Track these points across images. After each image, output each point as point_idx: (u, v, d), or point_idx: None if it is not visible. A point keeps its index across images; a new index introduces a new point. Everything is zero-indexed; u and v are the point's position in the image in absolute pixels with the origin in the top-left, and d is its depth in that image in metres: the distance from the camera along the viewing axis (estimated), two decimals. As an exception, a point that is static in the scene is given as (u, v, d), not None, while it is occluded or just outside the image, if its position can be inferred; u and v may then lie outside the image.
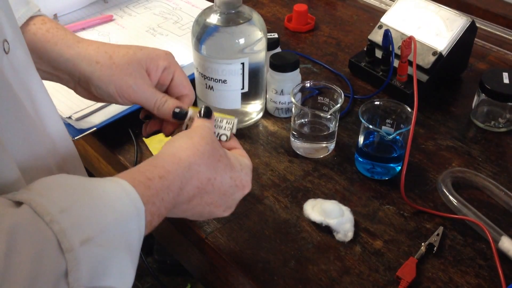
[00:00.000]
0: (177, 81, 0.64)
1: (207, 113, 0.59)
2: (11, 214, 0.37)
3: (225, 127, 0.61)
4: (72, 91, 0.84)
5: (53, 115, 0.55)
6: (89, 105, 0.82)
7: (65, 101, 0.83)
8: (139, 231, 0.44)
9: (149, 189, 0.46)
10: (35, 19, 0.63)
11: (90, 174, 0.92)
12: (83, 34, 1.02)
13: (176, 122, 0.63)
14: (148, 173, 0.47)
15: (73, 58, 0.61)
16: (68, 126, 0.80)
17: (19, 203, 0.39)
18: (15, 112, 0.45)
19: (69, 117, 0.80)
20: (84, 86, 0.63)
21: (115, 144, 0.82)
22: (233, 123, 0.61)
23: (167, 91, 0.65)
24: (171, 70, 0.64)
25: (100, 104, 0.82)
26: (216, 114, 0.61)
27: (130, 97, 0.61)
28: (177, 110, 0.61)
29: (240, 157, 0.58)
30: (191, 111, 0.62)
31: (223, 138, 0.61)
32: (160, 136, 0.82)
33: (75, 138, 0.78)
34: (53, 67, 0.62)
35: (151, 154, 0.79)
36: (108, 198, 0.42)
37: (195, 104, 0.86)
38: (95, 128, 0.79)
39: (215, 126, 0.60)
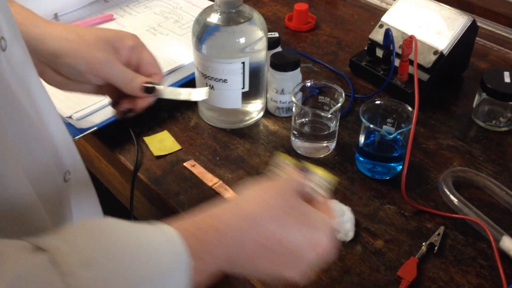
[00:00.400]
0: (145, 60, 0.65)
1: (304, 169, 0.53)
2: (23, 260, 0.33)
3: (322, 185, 0.53)
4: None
5: (52, 113, 0.55)
6: (90, 104, 0.82)
7: (66, 101, 0.82)
8: None
9: (198, 241, 0.40)
10: None
11: (91, 173, 0.92)
12: (83, 34, 1.01)
13: (147, 97, 0.64)
14: (201, 223, 0.42)
15: (40, 37, 0.59)
16: (69, 125, 0.79)
17: (41, 249, 0.35)
18: (13, 111, 0.45)
19: (70, 117, 0.80)
20: (52, 67, 0.62)
21: (116, 143, 0.82)
22: (334, 185, 0.55)
23: (136, 71, 0.65)
24: (138, 50, 0.65)
25: (100, 104, 0.82)
26: (316, 170, 0.54)
27: (101, 74, 0.61)
28: (146, 84, 0.63)
29: (320, 213, 0.49)
30: (281, 158, 0.57)
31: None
32: (161, 135, 0.82)
33: (76, 137, 0.77)
34: None
35: (152, 154, 0.79)
36: (145, 249, 0.37)
37: (195, 103, 0.87)
38: (95, 128, 0.79)
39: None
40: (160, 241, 0.38)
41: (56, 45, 0.60)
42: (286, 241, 0.45)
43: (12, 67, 0.47)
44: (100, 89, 0.66)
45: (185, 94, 0.68)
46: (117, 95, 0.66)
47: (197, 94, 0.69)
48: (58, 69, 0.62)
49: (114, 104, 0.67)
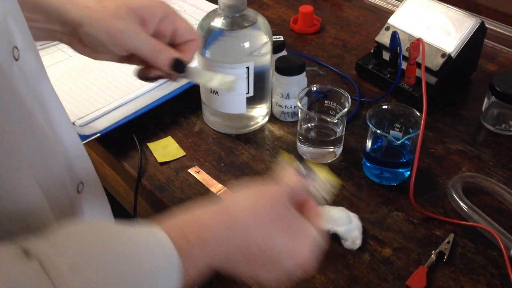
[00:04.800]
0: (180, 29, 0.59)
1: (305, 172, 0.52)
2: (14, 269, 0.33)
3: (327, 190, 0.53)
4: (76, 98, 0.84)
5: (65, 123, 0.55)
6: (93, 110, 0.82)
7: (69, 107, 0.82)
8: None
9: (182, 251, 0.40)
10: None
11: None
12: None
13: (175, 75, 0.59)
14: (187, 231, 0.41)
15: (63, 5, 0.56)
16: (72, 132, 0.79)
17: (27, 252, 0.35)
18: (26, 122, 0.44)
19: (73, 123, 0.79)
20: (77, 37, 0.59)
21: (119, 150, 0.81)
22: (337, 188, 0.55)
23: (170, 43, 0.61)
24: (171, 19, 0.58)
25: (104, 110, 0.81)
26: (318, 172, 0.53)
27: (122, 44, 0.57)
28: (175, 61, 0.57)
29: (308, 225, 0.49)
30: (284, 157, 0.56)
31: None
32: (165, 141, 0.81)
33: (79, 144, 0.77)
34: (46, 19, 0.58)
35: (156, 160, 0.78)
36: (136, 252, 0.37)
37: (199, 108, 0.85)
38: (99, 134, 0.78)
39: (313, 187, 0.53)
40: (151, 245, 0.38)
41: (77, 14, 0.56)
42: (268, 249, 0.45)
43: (24, 77, 0.47)
44: (128, 59, 0.61)
45: (215, 82, 0.59)
46: (147, 65, 0.61)
47: (226, 84, 0.60)
48: (81, 39, 0.58)
49: (143, 71, 0.61)
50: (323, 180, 0.53)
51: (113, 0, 0.57)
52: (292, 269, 0.48)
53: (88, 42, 0.58)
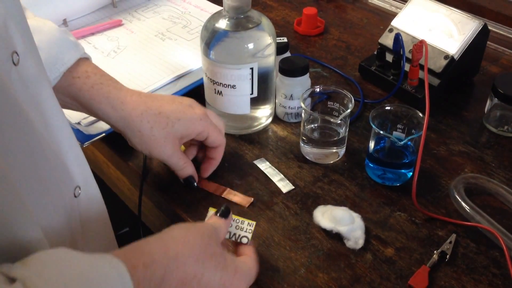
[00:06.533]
0: (210, 139, 0.72)
1: (224, 213, 0.59)
2: None
3: (246, 229, 0.60)
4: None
5: (63, 126, 0.54)
6: (98, 110, 0.82)
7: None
8: None
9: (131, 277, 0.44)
10: (79, 69, 0.67)
11: (100, 180, 0.92)
12: (92, 39, 1.02)
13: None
14: (133, 260, 0.46)
15: (117, 121, 0.68)
16: (77, 131, 0.79)
17: (13, 279, 0.38)
18: (19, 125, 0.44)
19: (78, 123, 0.80)
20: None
21: (124, 149, 0.81)
22: (254, 226, 0.61)
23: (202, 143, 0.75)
24: (205, 133, 0.71)
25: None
26: (235, 216, 0.61)
27: (160, 159, 0.71)
28: (188, 178, 0.73)
29: (240, 261, 0.56)
30: (210, 212, 0.61)
31: (244, 240, 0.60)
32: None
33: (84, 144, 0.77)
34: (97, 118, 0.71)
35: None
36: (101, 279, 0.42)
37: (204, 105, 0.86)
38: (104, 134, 0.79)
39: (235, 228, 0.60)
40: (112, 274, 0.43)
41: (129, 134, 0.68)
42: (204, 280, 0.50)
43: (23, 82, 0.47)
44: None
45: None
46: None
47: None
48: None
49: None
50: (240, 221, 0.61)
51: (162, 127, 0.68)
52: None
53: (129, 143, 0.71)
